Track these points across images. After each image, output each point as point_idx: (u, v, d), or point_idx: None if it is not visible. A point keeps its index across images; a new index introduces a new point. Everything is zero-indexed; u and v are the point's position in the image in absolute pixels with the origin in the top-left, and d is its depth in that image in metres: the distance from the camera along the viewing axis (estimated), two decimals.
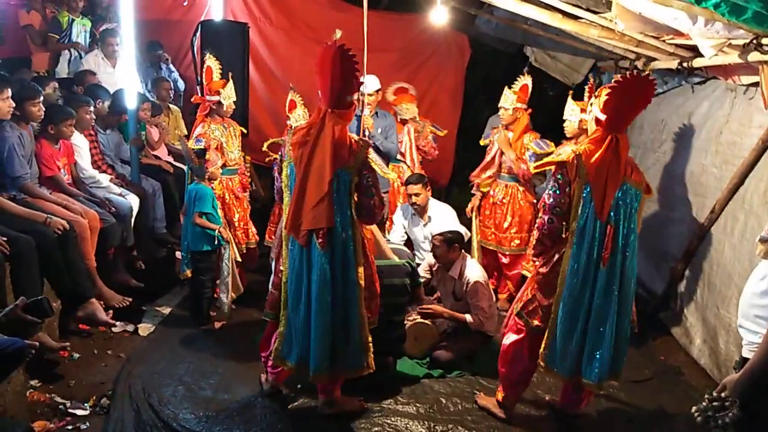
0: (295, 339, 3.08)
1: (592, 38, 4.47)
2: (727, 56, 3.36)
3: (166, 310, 4.57)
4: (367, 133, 4.68)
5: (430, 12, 5.02)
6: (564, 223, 2.99)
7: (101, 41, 5.90)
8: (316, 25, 6.24)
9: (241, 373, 3.72)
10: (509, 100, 4.68)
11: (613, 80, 2.95)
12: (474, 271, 4.03)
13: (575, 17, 4.08)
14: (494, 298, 4.27)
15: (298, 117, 4.56)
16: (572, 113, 4.34)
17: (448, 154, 6.78)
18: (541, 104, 6.53)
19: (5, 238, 3.31)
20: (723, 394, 1.88)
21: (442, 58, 6.72)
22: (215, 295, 4.47)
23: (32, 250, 3.42)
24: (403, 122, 5.29)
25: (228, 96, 4.44)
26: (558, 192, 2.96)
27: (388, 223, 4.98)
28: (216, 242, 4.25)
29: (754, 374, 1.86)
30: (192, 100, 4.75)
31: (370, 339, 3.09)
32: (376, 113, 5.01)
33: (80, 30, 6.03)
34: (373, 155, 3.08)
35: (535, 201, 4.80)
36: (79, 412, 3.23)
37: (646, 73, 3.19)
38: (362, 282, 3.03)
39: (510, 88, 4.70)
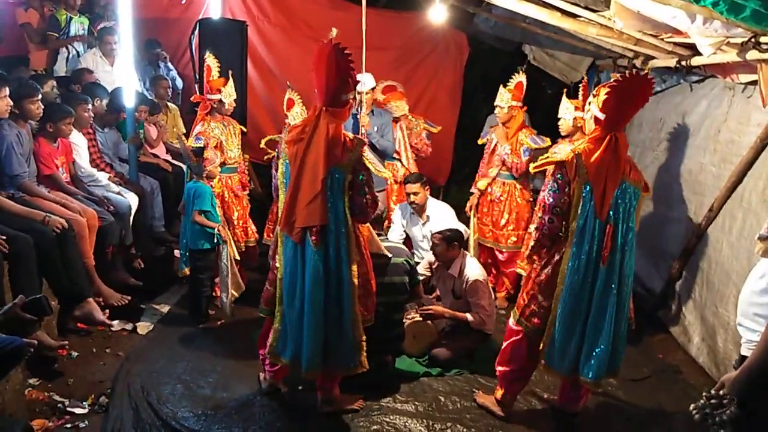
0: (289, 335, 3.07)
1: (590, 36, 4.47)
2: (725, 54, 3.35)
3: (165, 309, 4.56)
4: (363, 131, 4.67)
5: (429, 10, 5.02)
6: (564, 223, 2.99)
7: (99, 39, 5.89)
8: (315, 23, 6.21)
9: (240, 372, 3.72)
10: (504, 98, 4.68)
11: (611, 79, 2.95)
12: (474, 269, 4.03)
13: (574, 15, 4.07)
14: (493, 297, 4.28)
15: (296, 115, 4.54)
16: (566, 111, 4.34)
17: (446, 152, 6.79)
18: (539, 102, 6.56)
19: (4, 237, 3.30)
20: (721, 392, 1.88)
21: (440, 57, 6.71)
22: (214, 294, 4.46)
23: (30, 249, 3.41)
24: (396, 120, 5.29)
25: (229, 94, 4.44)
26: (558, 192, 2.95)
27: (386, 221, 4.98)
28: (215, 240, 4.24)
29: (752, 372, 1.86)
30: (192, 98, 4.73)
31: (363, 338, 3.08)
32: (372, 111, 5.00)
33: (78, 28, 6.01)
34: (368, 153, 3.07)
35: (531, 199, 4.81)
36: (78, 411, 3.23)
37: (645, 71, 3.19)
38: (356, 280, 3.01)
39: (505, 86, 4.71)
